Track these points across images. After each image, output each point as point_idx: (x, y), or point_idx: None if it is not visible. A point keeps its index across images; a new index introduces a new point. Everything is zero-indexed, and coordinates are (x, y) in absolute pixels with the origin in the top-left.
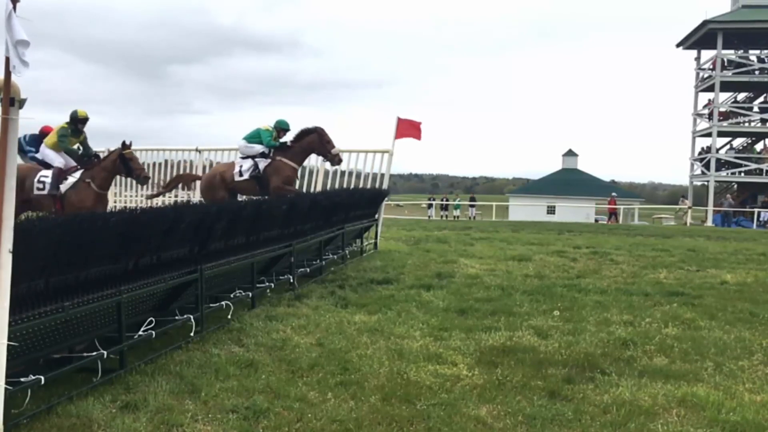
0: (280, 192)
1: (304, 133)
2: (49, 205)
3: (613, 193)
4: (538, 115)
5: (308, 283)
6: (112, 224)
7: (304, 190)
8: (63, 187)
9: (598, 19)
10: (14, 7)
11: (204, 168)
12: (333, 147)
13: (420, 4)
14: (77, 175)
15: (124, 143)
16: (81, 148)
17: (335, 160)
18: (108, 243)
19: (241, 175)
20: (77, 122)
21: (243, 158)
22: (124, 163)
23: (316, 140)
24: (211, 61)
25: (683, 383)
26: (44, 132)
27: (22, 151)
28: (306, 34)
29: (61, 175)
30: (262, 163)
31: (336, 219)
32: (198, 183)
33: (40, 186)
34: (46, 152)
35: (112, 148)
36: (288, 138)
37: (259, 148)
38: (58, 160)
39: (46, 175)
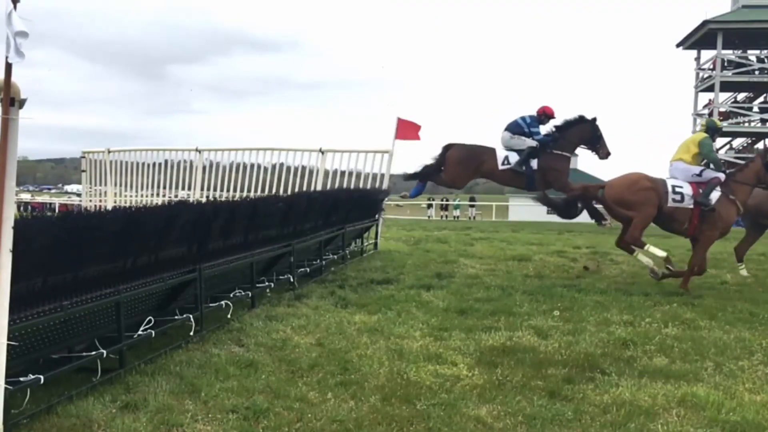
0: None
1: None
2: (683, 220)
3: None
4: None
5: (308, 283)
6: (109, 223)
7: (304, 189)
8: (713, 199)
9: (598, 19)
10: (14, 7)
11: (204, 168)
12: None
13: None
14: (718, 188)
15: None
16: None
17: None
18: (106, 242)
19: None
20: (715, 132)
21: None
22: None
23: None
24: (211, 61)
25: (683, 383)
26: (545, 112)
27: (525, 134)
28: (306, 34)
29: (716, 185)
30: None
31: (335, 219)
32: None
33: (677, 197)
34: (689, 169)
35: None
36: None
37: None
38: (709, 172)
39: (681, 185)
